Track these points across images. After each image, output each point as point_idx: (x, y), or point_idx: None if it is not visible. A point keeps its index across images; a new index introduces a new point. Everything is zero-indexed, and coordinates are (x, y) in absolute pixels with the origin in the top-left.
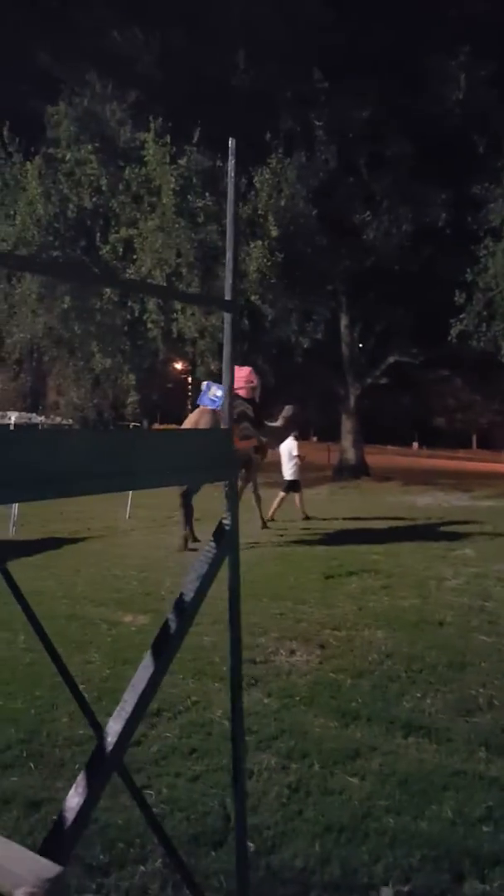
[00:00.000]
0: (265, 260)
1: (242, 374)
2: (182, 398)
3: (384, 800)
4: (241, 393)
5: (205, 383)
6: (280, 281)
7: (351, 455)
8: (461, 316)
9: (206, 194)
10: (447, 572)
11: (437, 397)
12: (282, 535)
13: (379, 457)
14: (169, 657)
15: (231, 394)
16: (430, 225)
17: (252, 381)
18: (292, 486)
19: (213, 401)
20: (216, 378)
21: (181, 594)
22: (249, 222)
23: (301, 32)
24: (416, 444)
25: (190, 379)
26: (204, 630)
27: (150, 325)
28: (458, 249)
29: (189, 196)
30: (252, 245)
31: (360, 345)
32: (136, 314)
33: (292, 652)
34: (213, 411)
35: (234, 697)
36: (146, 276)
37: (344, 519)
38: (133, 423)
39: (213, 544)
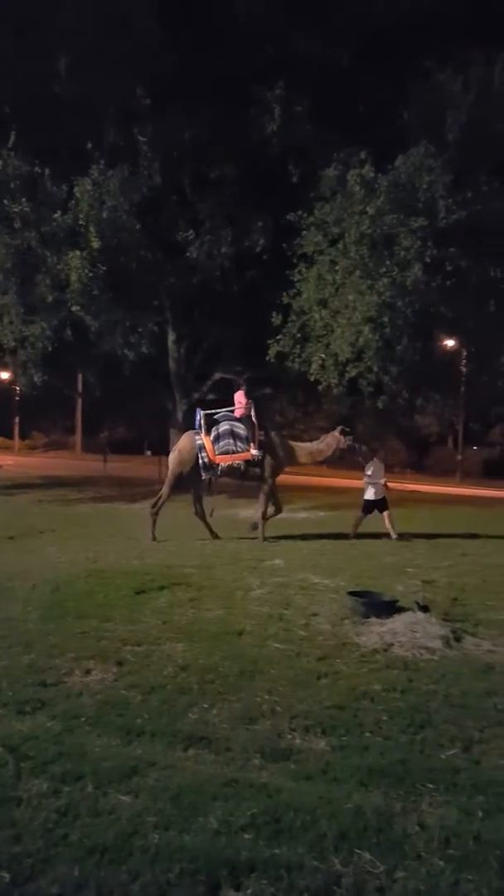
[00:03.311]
0: (86, 271)
1: (238, 396)
2: (8, 410)
3: (154, 816)
4: (235, 412)
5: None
6: (104, 293)
7: None
8: (278, 337)
9: (24, 200)
10: (254, 583)
11: (265, 413)
12: (95, 552)
13: None
14: None
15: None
16: (251, 248)
17: (243, 402)
18: (368, 507)
19: (195, 423)
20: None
21: None
22: (71, 231)
23: (129, 48)
24: None
25: (18, 389)
26: None
27: None
28: (276, 273)
29: (5, 201)
30: (71, 255)
31: (187, 360)
32: None
33: (88, 671)
34: (193, 433)
35: None
36: None
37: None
38: None
39: None
